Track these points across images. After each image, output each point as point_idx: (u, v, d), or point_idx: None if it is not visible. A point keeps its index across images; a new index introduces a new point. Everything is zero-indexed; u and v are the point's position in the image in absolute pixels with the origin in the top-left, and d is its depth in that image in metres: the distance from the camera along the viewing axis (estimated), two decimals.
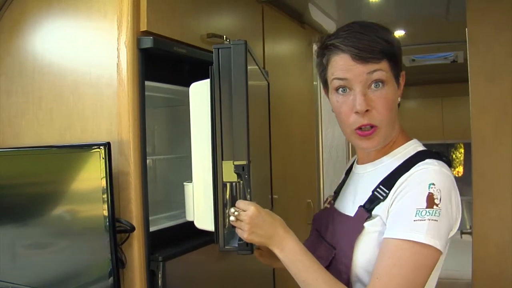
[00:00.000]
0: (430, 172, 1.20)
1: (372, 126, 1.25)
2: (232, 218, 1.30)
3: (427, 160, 1.23)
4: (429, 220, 1.14)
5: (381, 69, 1.23)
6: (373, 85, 1.24)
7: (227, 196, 1.39)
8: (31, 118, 1.83)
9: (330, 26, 3.33)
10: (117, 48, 1.62)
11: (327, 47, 1.30)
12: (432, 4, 2.80)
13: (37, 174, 1.77)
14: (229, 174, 1.37)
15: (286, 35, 2.85)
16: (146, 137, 1.66)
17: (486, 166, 2.46)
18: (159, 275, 1.65)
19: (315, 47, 3.25)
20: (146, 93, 1.68)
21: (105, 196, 1.53)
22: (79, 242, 1.66)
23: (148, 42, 1.62)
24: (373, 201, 1.28)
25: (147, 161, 2.34)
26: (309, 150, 3.21)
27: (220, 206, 1.38)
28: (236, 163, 1.34)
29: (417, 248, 1.13)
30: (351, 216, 1.33)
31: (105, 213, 1.53)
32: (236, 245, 1.36)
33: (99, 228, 1.55)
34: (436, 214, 1.14)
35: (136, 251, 1.63)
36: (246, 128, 1.32)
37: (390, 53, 1.25)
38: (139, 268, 1.63)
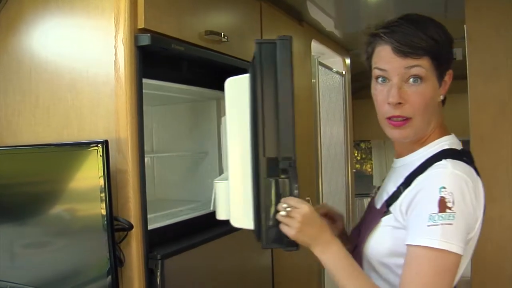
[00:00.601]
0: (441, 176, 1.19)
1: (404, 118, 1.26)
2: (283, 213, 1.27)
3: (440, 162, 1.23)
4: (443, 224, 1.13)
5: (420, 66, 1.23)
6: (411, 80, 1.24)
7: (272, 193, 1.36)
8: (28, 117, 1.82)
9: (328, 24, 3.33)
10: (115, 46, 1.61)
11: (374, 36, 1.31)
12: (430, 1, 2.79)
13: (34, 173, 1.76)
14: (273, 170, 1.36)
15: (284, 32, 2.81)
16: (144, 135, 1.65)
17: (485, 164, 2.44)
18: (158, 273, 1.64)
19: (313, 44, 3.27)
20: (144, 91, 1.67)
21: (103, 194, 1.52)
22: (77, 241, 1.65)
23: (145, 40, 1.61)
24: (393, 197, 1.30)
25: (146, 159, 2.35)
26: (307, 147, 3.20)
27: (264, 204, 1.35)
28: (282, 158, 1.34)
29: (434, 254, 1.13)
30: (376, 209, 1.39)
31: (103, 211, 1.53)
32: (282, 243, 1.35)
33: (97, 226, 1.55)
34: (450, 218, 1.13)
35: (134, 249, 1.62)
36: (292, 123, 1.33)
37: (433, 52, 1.23)
38: (138, 267, 1.63)
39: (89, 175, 1.57)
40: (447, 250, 1.12)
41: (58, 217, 1.68)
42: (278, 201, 1.31)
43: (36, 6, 1.82)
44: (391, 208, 1.29)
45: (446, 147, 1.30)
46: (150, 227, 1.69)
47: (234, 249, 2.08)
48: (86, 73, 1.69)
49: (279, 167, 1.34)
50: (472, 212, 1.18)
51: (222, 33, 1.98)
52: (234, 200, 1.48)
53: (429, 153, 1.29)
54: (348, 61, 4.14)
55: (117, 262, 1.57)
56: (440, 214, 1.13)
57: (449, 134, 1.35)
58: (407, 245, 1.18)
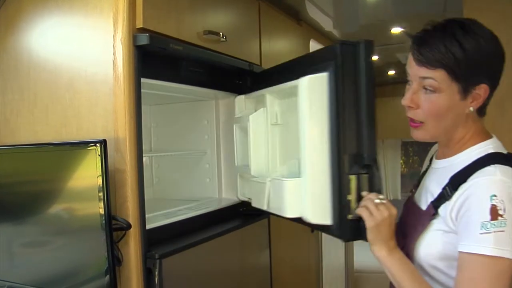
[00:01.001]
0: (490, 184, 1.21)
1: (418, 122, 1.34)
2: (377, 201, 1.38)
3: (487, 168, 1.25)
4: (495, 232, 1.16)
5: (433, 78, 1.26)
6: (424, 89, 1.30)
7: (353, 188, 1.47)
8: (27, 116, 1.82)
9: (327, 23, 3.33)
10: (113, 45, 1.61)
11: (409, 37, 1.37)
12: (429, 1, 2.79)
13: (32, 172, 1.76)
14: (353, 166, 1.48)
15: (282, 32, 2.84)
16: (142, 134, 1.65)
17: None
18: (156, 273, 1.64)
19: (311, 44, 3.26)
20: (143, 90, 1.67)
21: (101, 193, 1.52)
22: (76, 240, 1.65)
23: (144, 39, 1.61)
24: (441, 199, 1.32)
25: (144, 158, 2.36)
26: None
27: (345, 199, 1.47)
28: (365, 155, 1.47)
29: (487, 261, 1.17)
30: (421, 210, 1.40)
31: (101, 211, 1.53)
32: (360, 236, 1.43)
33: (96, 226, 1.55)
34: (502, 225, 1.16)
35: (132, 248, 1.62)
36: (374, 121, 1.46)
37: (450, 66, 1.24)
38: (136, 266, 1.62)
39: (87, 174, 1.57)
40: (500, 257, 1.16)
41: (56, 217, 1.68)
42: (359, 196, 1.45)
43: (35, 5, 1.82)
44: (440, 211, 1.32)
45: (491, 150, 1.31)
46: (148, 226, 1.69)
47: (232, 249, 2.08)
48: (84, 72, 1.69)
49: (360, 163, 1.47)
50: None
51: (221, 33, 1.98)
52: (311, 197, 1.56)
53: (474, 156, 1.31)
54: None
55: (115, 261, 1.57)
56: (492, 222, 1.17)
57: (490, 137, 1.37)
58: (460, 252, 1.22)
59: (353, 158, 1.48)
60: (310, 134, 1.55)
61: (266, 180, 1.81)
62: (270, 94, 1.95)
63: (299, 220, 1.64)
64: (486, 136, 1.36)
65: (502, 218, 1.16)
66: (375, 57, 4.50)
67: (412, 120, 1.35)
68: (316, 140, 1.54)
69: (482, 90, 1.29)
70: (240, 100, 2.22)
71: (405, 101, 1.33)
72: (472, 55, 1.25)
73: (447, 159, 1.40)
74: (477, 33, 1.26)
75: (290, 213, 1.64)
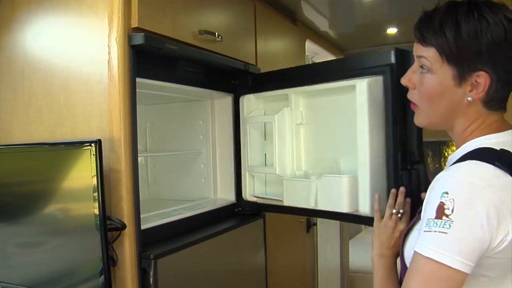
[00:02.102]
0: (448, 179, 1.09)
1: (414, 104, 1.28)
2: (394, 211, 1.51)
3: (460, 164, 1.13)
4: (435, 232, 1.04)
5: (425, 57, 1.19)
6: (421, 68, 1.22)
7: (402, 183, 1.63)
8: (21, 115, 1.81)
9: (322, 23, 3.33)
10: (108, 45, 1.61)
11: None
12: (424, 1, 2.78)
13: (27, 172, 1.76)
14: (405, 163, 1.66)
15: (278, 32, 2.84)
16: (137, 134, 1.65)
17: None
18: (151, 273, 1.64)
19: (307, 44, 3.26)
20: (138, 90, 1.67)
21: (96, 194, 1.52)
22: (70, 241, 1.65)
23: (139, 39, 1.61)
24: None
25: (140, 158, 2.35)
26: None
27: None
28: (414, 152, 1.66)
29: (424, 262, 1.05)
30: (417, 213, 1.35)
31: (96, 211, 1.52)
32: None
33: (90, 226, 1.54)
34: (445, 226, 1.03)
35: (127, 249, 1.62)
36: None
37: (440, 44, 1.16)
38: (131, 266, 1.62)
39: (82, 174, 1.57)
40: (435, 260, 1.03)
41: (51, 217, 1.67)
42: (411, 190, 1.58)
43: (30, 5, 1.81)
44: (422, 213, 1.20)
45: (485, 146, 1.17)
46: (143, 226, 1.69)
47: (227, 249, 2.08)
48: (79, 72, 1.68)
49: (410, 160, 1.65)
50: (488, 225, 1.03)
51: (216, 33, 1.97)
52: (369, 192, 1.68)
53: (461, 153, 1.19)
54: None
55: (109, 261, 1.57)
56: (435, 220, 1.05)
57: (499, 131, 1.21)
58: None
59: (403, 155, 1.67)
60: (368, 133, 1.67)
61: (313, 179, 1.86)
62: (295, 94, 2.01)
63: (345, 217, 1.83)
64: (494, 130, 1.20)
65: (447, 219, 1.03)
66: None
67: (409, 101, 1.29)
68: (374, 139, 1.68)
69: (482, 78, 1.15)
70: (249, 100, 2.21)
71: (403, 79, 1.27)
72: (468, 37, 1.13)
73: (452, 155, 1.28)
74: (485, 16, 1.12)
75: (347, 208, 1.74)
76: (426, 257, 1.04)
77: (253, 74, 2.30)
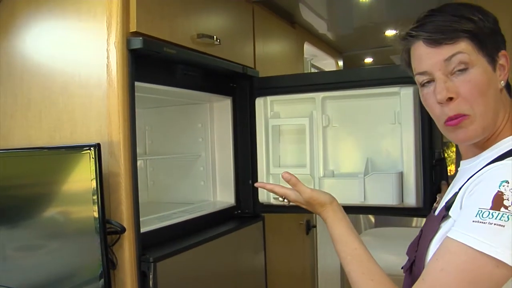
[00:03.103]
0: (507, 168, 1.00)
1: (463, 116, 1.12)
2: None
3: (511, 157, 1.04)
4: (490, 224, 0.94)
5: (460, 52, 1.10)
6: (457, 70, 1.11)
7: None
8: (20, 119, 1.82)
9: (321, 26, 3.33)
10: (107, 49, 1.61)
11: (405, 37, 1.20)
12: (422, 3, 2.79)
13: (26, 176, 1.76)
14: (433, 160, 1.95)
15: (276, 35, 2.85)
16: (136, 138, 1.65)
17: None
18: (150, 276, 1.64)
19: (306, 47, 3.27)
20: (137, 94, 1.67)
21: (95, 197, 1.52)
22: (70, 244, 1.65)
23: (137, 43, 1.61)
24: (453, 199, 1.14)
25: (139, 162, 2.36)
26: None
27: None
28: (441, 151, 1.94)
29: (470, 255, 0.96)
30: (434, 216, 1.23)
31: (95, 214, 1.52)
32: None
33: (90, 229, 1.55)
34: (502, 218, 0.94)
35: (127, 252, 1.62)
36: None
37: (471, 31, 1.10)
38: (130, 269, 1.62)
39: (81, 178, 1.57)
40: (485, 253, 0.94)
41: (50, 220, 1.68)
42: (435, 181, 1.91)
43: (28, 9, 1.81)
44: (451, 211, 1.12)
45: None
46: (143, 230, 1.69)
47: (227, 252, 2.08)
48: (78, 76, 1.68)
49: (435, 158, 1.93)
50: None
51: (215, 36, 1.98)
52: (413, 186, 1.92)
53: (499, 151, 1.11)
54: (341, 63, 4.15)
55: (109, 265, 1.57)
56: (491, 211, 0.95)
57: None
58: (447, 236, 1.03)
59: (432, 154, 1.95)
60: (413, 135, 1.91)
61: (359, 177, 1.98)
62: (323, 97, 2.12)
63: (390, 210, 2.02)
64: None
65: (506, 211, 0.93)
66: (369, 60, 4.52)
67: (456, 117, 1.12)
68: (416, 139, 1.91)
69: (503, 58, 1.15)
70: (266, 102, 2.24)
71: (441, 94, 1.11)
72: (482, 18, 1.13)
73: (468, 160, 1.22)
74: (473, 5, 1.16)
75: (396, 201, 1.91)
76: (475, 250, 0.95)
77: (255, 77, 2.31)
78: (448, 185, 1.59)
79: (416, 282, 1.06)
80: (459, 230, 0.99)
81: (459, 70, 1.11)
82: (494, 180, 0.98)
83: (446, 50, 1.11)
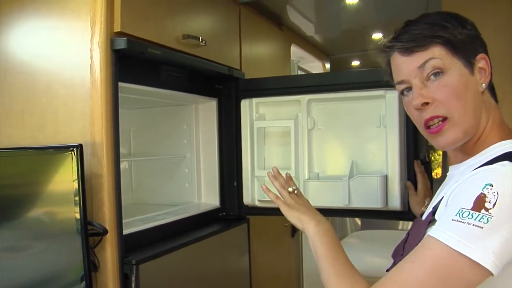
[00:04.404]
0: (492, 172, 1.01)
1: (443, 120, 1.13)
2: (290, 189, 1.52)
3: (503, 162, 1.04)
4: (469, 224, 0.95)
5: (433, 57, 1.12)
6: (432, 76, 1.13)
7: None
8: (2, 119, 1.80)
9: (308, 28, 3.33)
10: (90, 49, 1.60)
11: (384, 50, 1.23)
12: (410, 7, 2.80)
13: (7, 176, 1.74)
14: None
15: (263, 37, 2.85)
16: (119, 139, 1.64)
17: None
18: (133, 279, 1.63)
19: (292, 49, 3.27)
20: (122, 94, 1.66)
21: (77, 198, 1.51)
22: (51, 246, 1.63)
23: (121, 43, 1.60)
24: (439, 204, 1.14)
25: (124, 163, 2.34)
26: None
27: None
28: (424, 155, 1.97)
29: (445, 252, 0.96)
30: (421, 220, 1.22)
31: (77, 216, 1.51)
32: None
33: (71, 231, 1.53)
34: (481, 220, 0.94)
35: (109, 254, 1.61)
36: None
37: (443, 36, 1.13)
38: (112, 272, 1.61)
39: (63, 179, 1.55)
40: (462, 254, 0.94)
41: (31, 222, 1.66)
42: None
43: (12, 8, 1.79)
44: (437, 216, 1.12)
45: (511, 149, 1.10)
46: (126, 231, 1.68)
47: (211, 254, 2.07)
48: (61, 76, 1.67)
49: (422, 161, 1.93)
50: None
51: (200, 37, 1.97)
52: (398, 189, 1.93)
53: (488, 157, 1.11)
54: (328, 65, 4.16)
55: (91, 267, 1.55)
56: (472, 211, 0.96)
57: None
58: (427, 234, 1.04)
59: (417, 157, 1.94)
60: (398, 138, 1.92)
61: (344, 180, 1.99)
62: (309, 100, 2.12)
63: (376, 213, 2.00)
64: (506, 133, 1.17)
65: (486, 213, 0.94)
66: (356, 62, 4.53)
67: (432, 119, 1.15)
68: (401, 143, 1.92)
69: (483, 62, 1.16)
70: (251, 104, 2.23)
71: (416, 100, 1.15)
72: (459, 25, 1.16)
73: (456, 165, 1.23)
74: (450, 12, 1.19)
75: (380, 204, 1.92)
76: (450, 248, 0.95)
77: (241, 78, 2.31)
78: (414, 185, 1.90)
79: (390, 271, 1.07)
80: (438, 227, 1.00)
81: (434, 76, 1.14)
82: (479, 182, 0.99)
83: (419, 57, 1.15)
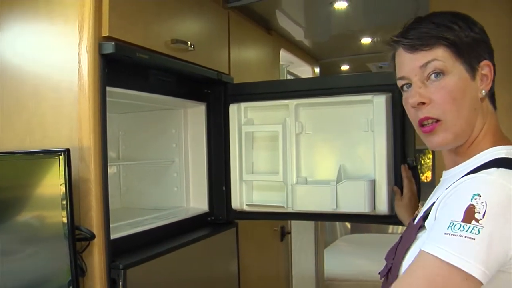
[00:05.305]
0: (479, 182, 1.02)
1: (435, 120, 1.14)
2: None
3: (487, 170, 1.04)
4: (461, 236, 0.95)
5: (436, 59, 1.13)
6: (432, 76, 1.14)
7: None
8: None
9: (298, 33, 3.34)
10: (78, 53, 1.60)
11: (390, 44, 1.24)
12: (399, 12, 2.82)
13: None
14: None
15: (252, 41, 2.85)
16: (107, 143, 1.64)
17: None
18: (120, 284, 1.62)
19: (282, 53, 3.27)
20: (110, 99, 1.66)
21: (64, 203, 1.51)
22: (38, 250, 1.63)
23: (109, 48, 1.60)
24: (430, 210, 1.14)
25: (112, 167, 2.34)
26: None
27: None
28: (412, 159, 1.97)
29: (439, 266, 0.96)
30: (412, 225, 1.23)
31: (65, 220, 1.51)
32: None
33: (59, 235, 1.53)
34: (473, 231, 0.94)
35: (96, 259, 1.61)
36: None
37: (448, 38, 1.13)
38: (100, 276, 1.61)
39: (51, 183, 1.55)
40: (456, 267, 0.94)
41: (18, 226, 1.65)
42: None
43: None
44: (426, 222, 1.13)
45: (503, 156, 1.11)
46: (114, 236, 1.68)
47: (200, 259, 2.07)
48: (49, 80, 1.67)
49: (409, 165, 1.95)
50: None
51: (189, 42, 1.97)
52: (385, 193, 1.95)
53: (478, 163, 1.12)
54: (317, 70, 4.16)
55: (78, 272, 1.55)
56: (463, 223, 0.96)
57: (510, 144, 1.17)
58: (420, 249, 1.03)
59: (405, 161, 1.97)
60: (386, 143, 1.93)
61: (332, 184, 2.00)
62: (297, 104, 2.14)
63: (363, 218, 2.04)
64: (503, 140, 1.19)
65: (477, 224, 0.94)
66: (345, 67, 4.54)
67: (426, 119, 1.16)
68: (389, 148, 1.94)
69: (486, 69, 1.16)
70: (239, 109, 2.24)
71: (413, 98, 1.16)
72: (466, 27, 1.15)
73: (449, 170, 1.24)
74: (461, 13, 1.19)
75: (368, 208, 1.94)
76: (444, 262, 0.95)
77: (229, 83, 2.31)
78: (400, 189, 1.94)
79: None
80: (431, 242, 1.00)
81: (435, 77, 1.14)
82: (467, 193, 0.99)
83: (422, 57, 1.15)
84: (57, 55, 1.67)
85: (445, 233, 0.97)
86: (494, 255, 0.95)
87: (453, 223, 0.97)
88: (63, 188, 1.50)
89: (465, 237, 0.94)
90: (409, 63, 1.18)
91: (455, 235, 0.95)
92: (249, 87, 2.28)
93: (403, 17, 1.25)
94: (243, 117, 2.24)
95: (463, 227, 0.95)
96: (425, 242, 1.02)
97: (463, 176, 1.08)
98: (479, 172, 1.05)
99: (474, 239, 0.94)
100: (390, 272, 1.22)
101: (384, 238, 5.03)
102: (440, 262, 0.96)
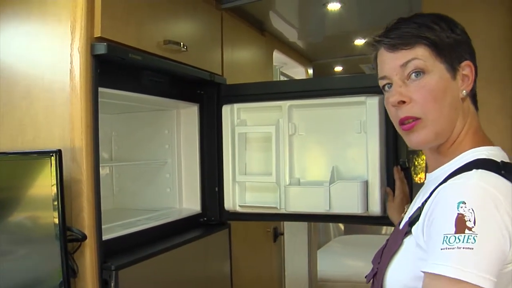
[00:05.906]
0: (460, 188, 1.01)
1: (415, 119, 1.15)
2: None
3: (467, 173, 1.04)
4: (459, 248, 0.92)
5: (416, 58, 1.14)
6: (412, 75, 1.15)
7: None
8: None
9: (291, 34, 3.34)
10: (70, 54, 1.59)
11: (372, 44, 1.24)
12: (392, 13, 2.81)
13: None
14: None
15: (245, 42, 2.85)
16: (99, 144, 1.64)
17: None
18: (112, 285, 1.62)
19: (275, 54, 3.27)
20: (102, 99, 1.65)
21: (56, 204, 1.50)
22: (30, 251, 1.62)
23: (101, 48, 1.59)
24: (416, 215, 1.14)
25: (105, 168, 2.33)
26: None
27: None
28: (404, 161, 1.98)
29: (445, 283, 0.93)
30: (398, 229, 1.23)
31: (56, 221, 1.51)
32: None
33: (50, 236, 1.53)
34: (469, 241, 0.92)
35: (88, 260, 1.60)
36: None
37: (429, 38, 1.14)
38: (91, 277, 1.60)
39: (43, 184, 1.55)
40: (461, 280, 0.91)
41: (9, 227, 1.65)
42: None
43: None
44: (413, 228, 1.13)
45: (483, 157, 1.11)
46: (105, 237, 1.68)
47: (192, 260, 2.07)
48: (41, 80, 1.66)
49: (402, 166, 1.95)
50: (506, 236, 0.95)
51: (182, 43, 1.97)
52: (378, 195, 1.95)
53: (459, 164, 1.12)
54: (310, 71, 4.17)
55: (70, 273, 1.55)
56: (457, 235, 0.93)
57: (491, 145, 1.18)
58: (423, 272, 1.00)
59: (397, 163, 1.98)
60: (379, 144, 1.93)
61: (325, 185, 2.00)
62: (290, 106, 2.13)
63: (356, 219, 2.04)
64: (484, 141, 1.19)
65: (470, 232, 0.92)
66: (339, 68, 4.55)
67: (406, 119, 1.16)
68: (382, 149, 1.95)
69: (468, 69, 1.17)
70: (232, 110, 2.23)
71: (393, 97, 1.16)
72: (448, 28, 1.17)
73: (432, 173, 1.24)
74: (443, 15, 1.20)
75: (361, 210, 1.94)
76: (450, 278, 0.92)
77: (222, 84, 2.31)
78: (393, 190, 1.94)
79: None
80: (431, 261, 0.97)
81: (415, 76, 1.15)
82: (451, 202, 0.98)
83: (403, 56, 1.16)
84: (49, 55, 1.66)
85: (441, 249, 0.95)
86: (495, 259, 0.94)
87: (447, 237, 0.94)
88: (54, 189, 1.50)
89: (463, 248, 0.92)
90: (390, 62, 1.18)
91: (453, 248, 0.93)
92: (242, 88, 2.28)
93: (396, 18, 1.25)
94: (236, 118, 2.23)
95: (458, 238, 0.93)
96: (425, 264, 1.00)
97: (443, 181, 1.09)
98: (459, 177, 1.05)
99: (472, 248, 0.92)
100: (375, 277, 1.23)
101: (378, 239, 5.01)
102: (444, 278, 0.93)
